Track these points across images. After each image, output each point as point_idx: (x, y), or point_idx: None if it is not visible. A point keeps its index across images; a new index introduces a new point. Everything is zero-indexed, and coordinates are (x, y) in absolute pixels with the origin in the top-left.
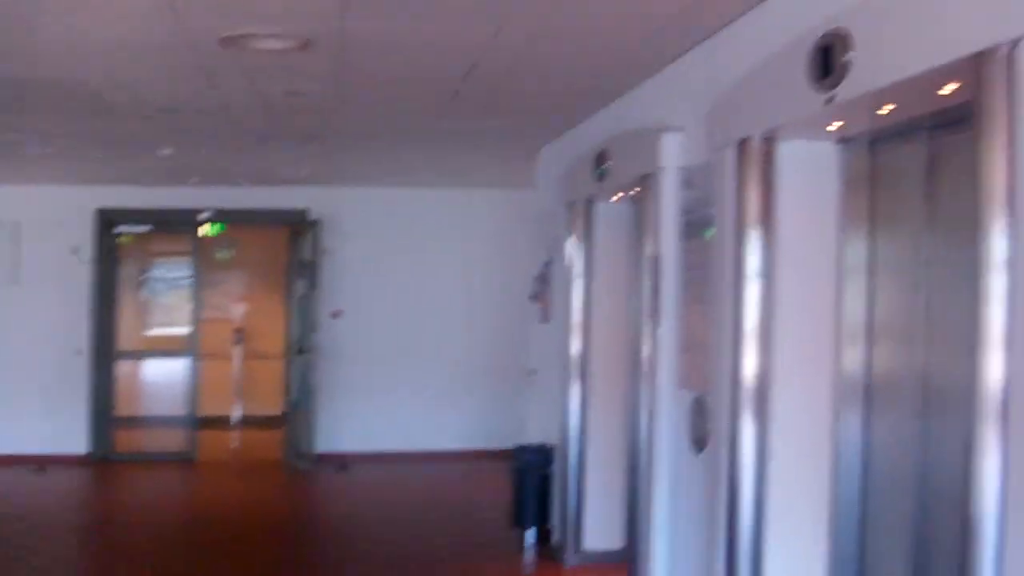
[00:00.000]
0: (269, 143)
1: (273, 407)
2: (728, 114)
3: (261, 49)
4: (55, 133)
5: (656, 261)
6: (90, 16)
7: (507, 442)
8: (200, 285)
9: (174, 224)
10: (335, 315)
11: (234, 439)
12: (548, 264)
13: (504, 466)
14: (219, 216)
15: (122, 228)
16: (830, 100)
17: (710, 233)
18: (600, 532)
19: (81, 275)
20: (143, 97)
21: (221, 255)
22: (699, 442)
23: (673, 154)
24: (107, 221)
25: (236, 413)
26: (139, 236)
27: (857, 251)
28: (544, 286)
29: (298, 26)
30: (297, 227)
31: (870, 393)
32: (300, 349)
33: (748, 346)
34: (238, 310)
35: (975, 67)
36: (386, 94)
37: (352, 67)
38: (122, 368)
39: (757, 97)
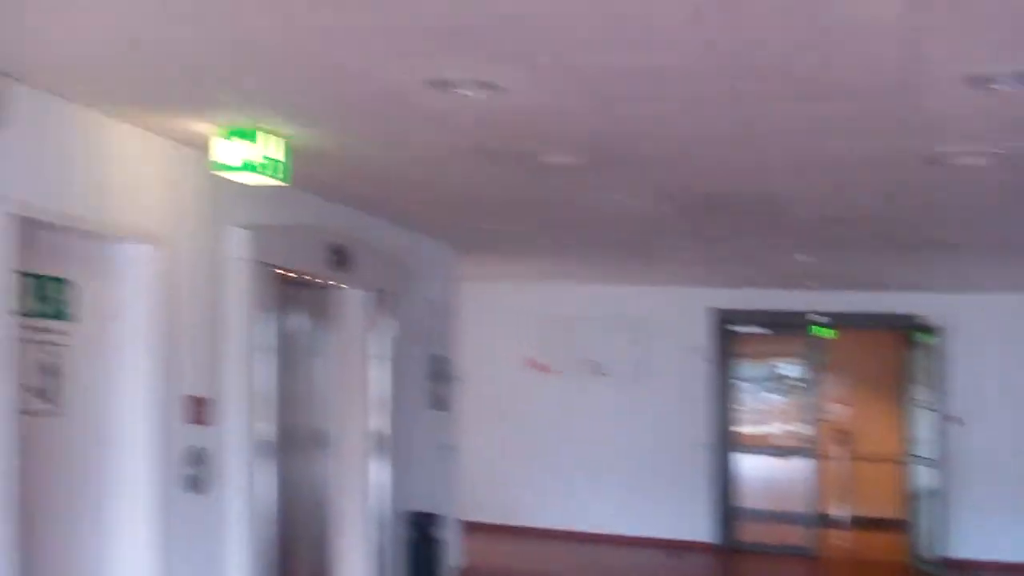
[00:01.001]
0: (900, 251)
1: (887, 509)
2: None
3: (958, 165)
4: (717, 240)
5: None
6: (817, 135)
7: None
8: (814, 386)
9: (786, 326)
10: (951, 420)
11: (849, 538)
12: None
13: None
14: (830, 320)
15: (737, 328)
16: None
17: None
18: None
19: (699, 371)
20: (820, 207)
21: (830, 357)
22: None
23: None
24: (723, 320)
25: (848, 512)
26: (753, 336)
27: None
28: None
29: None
30: (912, 332)
31: None
32: (919, 454)
33: None
34: (844, 411)
35: None
36: None
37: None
38: (739, 461)
39: None
